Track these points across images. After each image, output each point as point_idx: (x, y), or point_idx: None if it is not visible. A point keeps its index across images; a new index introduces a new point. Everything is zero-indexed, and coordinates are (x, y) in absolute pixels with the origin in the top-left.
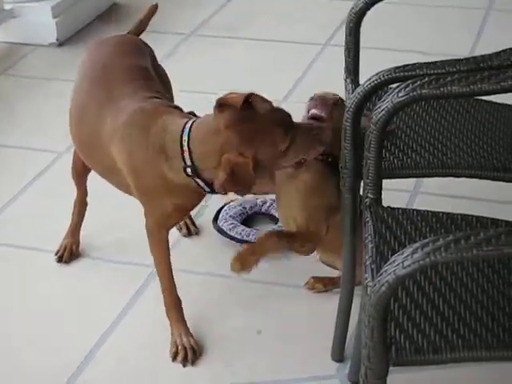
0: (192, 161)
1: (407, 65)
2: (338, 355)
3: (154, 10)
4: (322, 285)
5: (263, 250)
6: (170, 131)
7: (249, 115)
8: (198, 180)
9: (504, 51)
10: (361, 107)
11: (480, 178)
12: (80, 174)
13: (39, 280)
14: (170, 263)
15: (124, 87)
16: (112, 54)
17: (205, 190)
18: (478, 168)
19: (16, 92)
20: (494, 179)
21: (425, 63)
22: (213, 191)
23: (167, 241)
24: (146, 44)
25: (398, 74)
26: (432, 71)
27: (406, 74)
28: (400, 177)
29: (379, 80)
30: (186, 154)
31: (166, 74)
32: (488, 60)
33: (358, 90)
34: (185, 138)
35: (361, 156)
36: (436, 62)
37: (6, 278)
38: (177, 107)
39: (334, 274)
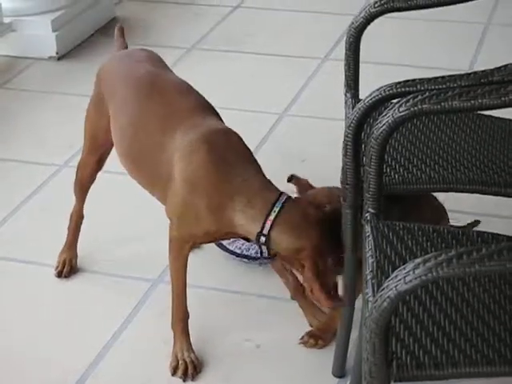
0: (269, 232)
1: (408, 80)
2: (339, 370)
3: (120, 29)
4: (314, 340)
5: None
6: (264, 192)
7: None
8: (262, 246)
9: (505, 66)
10: (362, 122)
11: (481, 193)
12: (84, 188)
13: (38, 294)
14: (185, 277)
15: (183, 102)
16: (150, 67)
17: (261, 255)
18: (480, 183)
19: (15, 105)
20: (495, 194)
21: (426, 79)
22: (265, 258)
23: (187, 255)
24: (159, 56)
25: (399, 90)
26: (433, 87)
27: (407, 89)
28: (401, 192)
29: (380, 95)
30: (268, 225)
31: None
32: (489, 75)
33: (359, 105)
34: (275, 209)
35: (361, 172)
36: (437, 77)
37: (5, 292)
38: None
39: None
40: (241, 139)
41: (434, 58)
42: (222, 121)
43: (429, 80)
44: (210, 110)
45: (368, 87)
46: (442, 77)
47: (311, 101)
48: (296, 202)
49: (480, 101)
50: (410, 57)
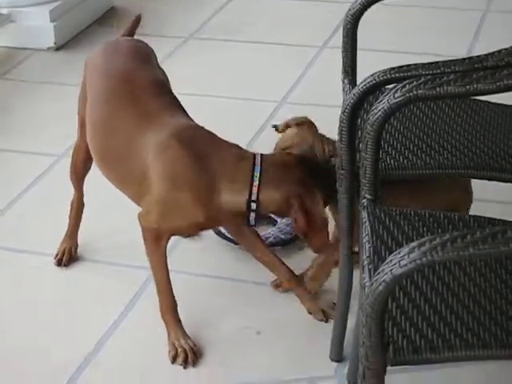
0: (257, 196)
1: (402, 66)
2: (337, 355)
3: (138, 19)
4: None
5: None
6: (240, 162)
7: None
8: (252, 214)
9: (499, 51)
10: (357, 108)
11: (477, 178)
12: (79, 175)
13: (38, 283)
14: (166, 265)
15: (156, 101)
16: (130, 63)
17: (248, 222)
18: (475, 168)
19: (14, 96)
20: (490, 179)
21: (420, 64)
22: (252, 225)
23: (166, 246)
24: (150, 47)
25: (393, 75)
26: (428, 72)
27: (402, 74)
28: (397, 178)
29: (374, 81)
30: (255, 191)
31: (165, 73)
32: (484, 60)
33: (354, 91)
34: (256, 174)
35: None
36: (431, 62)
37: (5, 282)
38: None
39: None
40: (207, 130)
41: (432, 45)
42: (191, 119)
43: (423, 65)
44: (179, 108)
45: (366, 74)
46: (436, 62)
47: (310, 89)
48: (270, 158)
49: (475, 86)
50: (408, 44)
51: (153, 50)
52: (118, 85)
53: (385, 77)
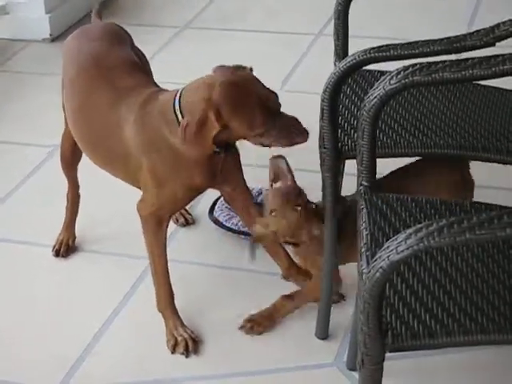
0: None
1: (382, 45)
2: (322, 333)
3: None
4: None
5: (279, 314)
6: (163, 101)
7: (243, 90)
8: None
9: (478, 31)
10: (338, 87)
11: (472, 159)
12: (68, 163)
13: (36, 274)
14: (165, 254)
15: (128, 79)
16: (103, 46)
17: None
18: (470, 149)
19: (9, 88)
20: (485, 160)
21: (399, 44)
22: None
23: (166, 231)
24: (124, 29)
25: (373, 54)
26: (406, 52)
27: (381, 54)
28: (392, 156)
29: (355, 60)
30: (181, 119)
31: (144, 55)
32: (462, 40)
33: (335, 70)
34: (177, 107)
35: (340, 135)
36: (410, 42)
37: (3, 273)
38: None
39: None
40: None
41: (427, 33)
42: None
43: (402, 45)
44: (152, 84)
45: None
46: (416, 42)
47: (305, 77)
48: (194, 82)
49: (471, 72)
50: (403, 31)
51: (127, 32)
52: (90, 67)
53: (365, 56)
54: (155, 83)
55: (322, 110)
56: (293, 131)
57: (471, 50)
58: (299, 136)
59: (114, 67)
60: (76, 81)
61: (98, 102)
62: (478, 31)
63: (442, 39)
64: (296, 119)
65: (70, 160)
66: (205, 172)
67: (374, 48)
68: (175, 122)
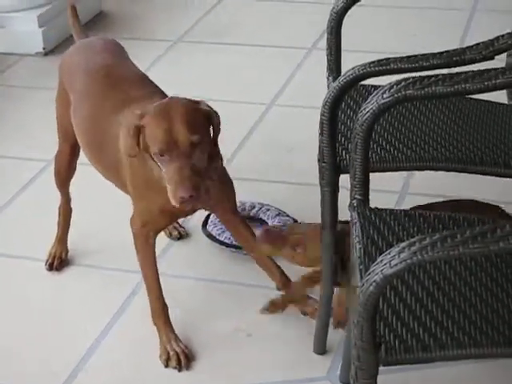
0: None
1: (382, 59)
2: (319, 348)
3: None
4: (281, 309)
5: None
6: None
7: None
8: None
9: (477, 45)
10: (338, 101)
11: (470, 172)
12: (63, 180)
13: (29, 288)
14: (156, 269)
15: (134, 92)
16: (107, 58)
17: None
18: (468, 162)
19: (3, 102)
20: (483, 174)
21: (399, 57)
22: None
23: (154, 246)
24: (121, 45)
25: (372, 69)
26: (406, 65)
27: (381, 68)
28: (390, 170)
29: (354, 74)
30: None
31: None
32: (461, 54)
33: (334, 84)
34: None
35: (338, 150)
36: (410, 56)
37: None
38: None
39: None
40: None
41: (420, 46)
42: None
43: (401, 59)
44: (161, 96)
45: None
46: (415, 56)
47: (298, 91)
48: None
49: (463, 86)
50: (396, 45)
51: (124, 48)
52: (99, 79)
53: (364, 70)
54: (163, 93)
55: (322, 124)
56: (181, 181)
57: (470, 64)
58: (181, 189)
59: (123, 79)
60: (85, 93)
61: (105, 112)
62: (477, 45)
63: (441, 53)
64: (187, 175)
65: (65, 177)
66: None
67: (373, 62)
68: None
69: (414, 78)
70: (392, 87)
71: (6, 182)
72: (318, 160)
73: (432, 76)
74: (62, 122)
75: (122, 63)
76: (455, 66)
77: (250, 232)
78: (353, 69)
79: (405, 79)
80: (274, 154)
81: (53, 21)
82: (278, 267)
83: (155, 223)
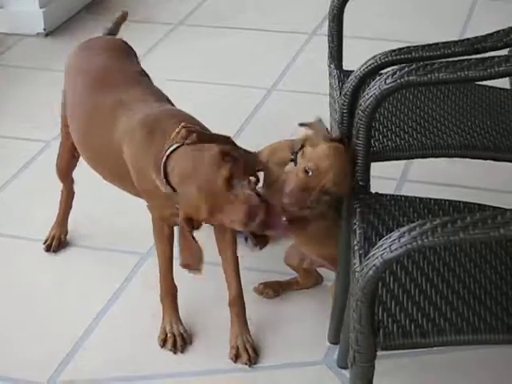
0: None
1: (403, 48)
2: (334, 338)
3: (125, 16)
4: (272, 291)
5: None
6: (155, 124)
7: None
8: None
9: (497, 32)
10: (358, 90)
11: (472, 157)
12: (64, 173)
13: (27, 268)
14: (169, 250)
15: (133, 92)
16: (107, 59)
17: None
18: (470, 148)
19: (3, 82)
20: (485, 158)
21: (420, 46)
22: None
23: (169, 234)
24: (127, 44)
25: (394, 57)
26: (427, 54)
27: (402, 56)
28: (394, 159)
29: (376, 63)
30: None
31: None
32: (482, 41)
33: (355, 73)
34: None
35: None
36: (431, 44)
37: None
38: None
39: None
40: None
41: (423, 33)
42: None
43: (423, 47)
44: (161, 98)
45: (354, 60)
46: (436, 43)
47: (299, 75)
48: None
49: (466, 73)
50: (399, 32)
51: (131, 47)
52: (95, 81)
53: (386, 59)
54: (158, 95)
55: (342, 114)
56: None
57: (491, 51)
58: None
59: (122, 80)
60: (81, 93)
61: (101, 115)
62: (497, 32)
63: (462, 40)
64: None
65: (66, 170)
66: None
67: (394, 50)
68: (161, 152)
69: (416, 64)
70: (395, 73)
71: (7, 161)
72: None
73: (435, 62)
74: (64, 121)
75: (119, 64)
76: (476, 54)
77: (231, 235)
78: (374, 58)
79: (408, 65)
80: (275, 139)
81: (54, 1)
82: (237, 282)
83: (168, 220)
